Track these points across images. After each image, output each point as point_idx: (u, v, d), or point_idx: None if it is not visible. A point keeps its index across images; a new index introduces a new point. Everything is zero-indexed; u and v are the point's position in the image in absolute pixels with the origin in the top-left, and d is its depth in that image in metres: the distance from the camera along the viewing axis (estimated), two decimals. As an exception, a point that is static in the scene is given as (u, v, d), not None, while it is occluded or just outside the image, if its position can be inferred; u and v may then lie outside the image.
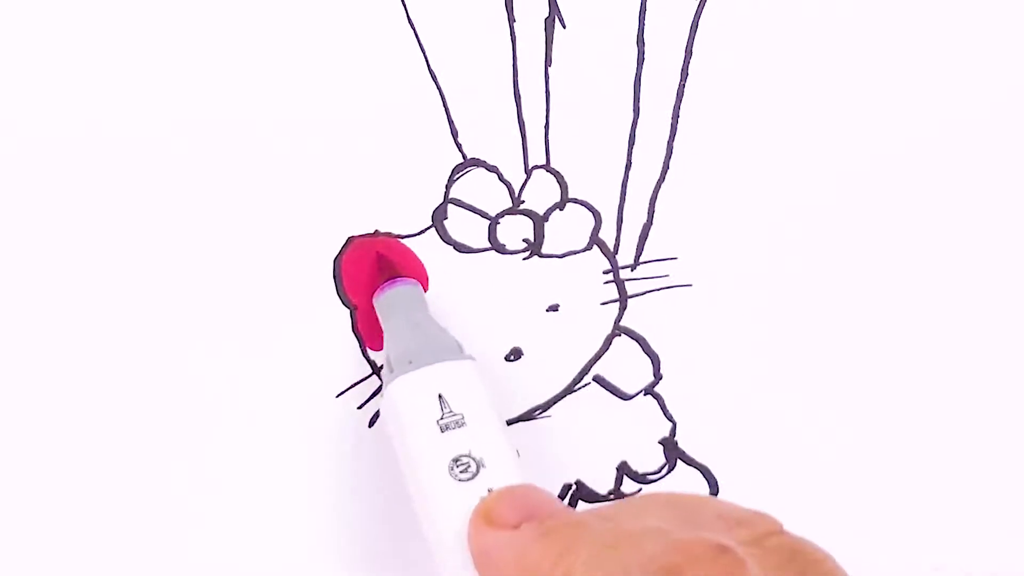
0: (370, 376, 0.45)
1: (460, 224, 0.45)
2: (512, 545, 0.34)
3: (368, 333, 0.45)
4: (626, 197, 0.46)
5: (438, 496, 0.37)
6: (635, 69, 0.46)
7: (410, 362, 0.40)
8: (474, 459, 0.38)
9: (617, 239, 0.46)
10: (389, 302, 0.44)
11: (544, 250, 0.46)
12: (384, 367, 0.42)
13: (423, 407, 0.39)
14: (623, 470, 0.46)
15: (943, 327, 0.47)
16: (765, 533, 0.32)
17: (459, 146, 0.45)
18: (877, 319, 0.47)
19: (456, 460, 0.38)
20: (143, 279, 0.44)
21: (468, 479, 0.37)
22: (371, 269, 0.45)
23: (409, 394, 0.40)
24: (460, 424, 0.38)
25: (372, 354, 0.45)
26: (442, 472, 0.37)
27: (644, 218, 0.46)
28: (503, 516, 0.35)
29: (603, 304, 0.46)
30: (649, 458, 0.46)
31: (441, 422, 0.39)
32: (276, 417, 0.45)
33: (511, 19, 0.45)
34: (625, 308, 0.46)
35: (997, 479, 0.47)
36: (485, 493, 0.37)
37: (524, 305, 0.46)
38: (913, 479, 0.47)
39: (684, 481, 0.46)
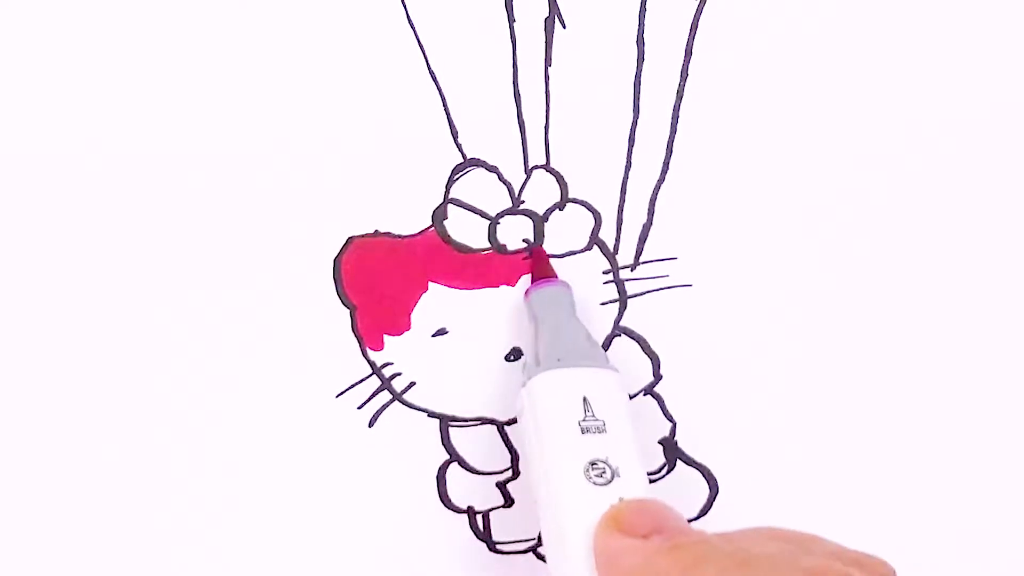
0: (370, 376, 0.45)
1: (460, 224, 0.45)
2: (641, 552, 0.35)
3: (368, 333, 0.45)
4: (626, 197, 0.46)
5: (570, 495, 0.38)
6: (635, 69, 0.46)
7: (559, 360, 0.41)
8: (610, 466, 0.38)
9: (617, 239, 0.46)
10: (545, 298, 0.44)
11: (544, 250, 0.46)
12: (526, 362, 0.42)
13: (567, 405, 0.39)
14: (623, 470, 0.46)
15: (944, 327, 0.47)
16: None
17: (459, 146, 0.45)
18: (878, 319, 0.47)
19: (593, 463, 0.38)
20: (144, 279, 0.44)
21: (603, 484, 0.38)
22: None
23: (554, 390, 0.40)
24: (601, 430, 0.39)
25: (372, 354, 0.45)
26: (577, 472, 0.38)
27: (644, 218, 0.46)
28: (634, 525, 0.36)
29: (603, 304, 0.46)
30: (649, 458, 0.46)
31: (583, 423, 0.39)
32: (276, 417, 0.45)
33: (511, 19, 0.45)
34: (625, 308, 0.46)
35: (999, 480, 0.47)
36: (616, 501, 0.37)
37: (524, 305, 0.45)
38: (914, 479, 0.47)
39: (684, 481, 0.46)
